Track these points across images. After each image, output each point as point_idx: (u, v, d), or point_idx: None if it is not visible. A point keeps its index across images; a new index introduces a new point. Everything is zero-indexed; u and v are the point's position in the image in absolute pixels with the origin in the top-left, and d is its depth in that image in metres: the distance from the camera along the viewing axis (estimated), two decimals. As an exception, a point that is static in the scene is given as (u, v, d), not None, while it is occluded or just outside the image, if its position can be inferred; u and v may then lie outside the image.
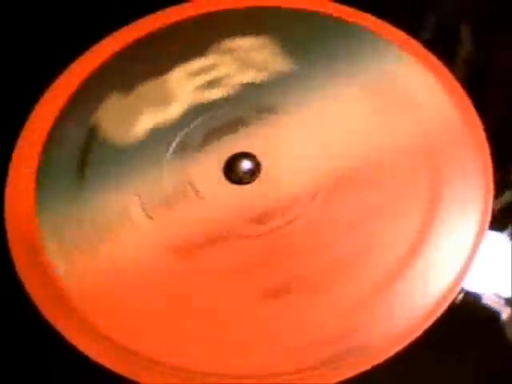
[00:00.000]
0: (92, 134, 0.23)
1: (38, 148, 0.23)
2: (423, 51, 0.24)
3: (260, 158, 0.22)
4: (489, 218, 0.21)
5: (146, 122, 0.23)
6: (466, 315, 0.20)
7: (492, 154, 0.22)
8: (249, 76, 0.24)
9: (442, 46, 0.24)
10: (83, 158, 0.23)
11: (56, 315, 0.20)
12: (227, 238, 0.21)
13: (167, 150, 0.23)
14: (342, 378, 0.19)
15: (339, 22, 0.24)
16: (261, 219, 0.21)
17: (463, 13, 0.25)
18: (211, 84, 0.24)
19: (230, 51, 0.24)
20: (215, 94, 0.23)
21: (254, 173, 0.22)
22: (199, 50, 0.24)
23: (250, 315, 0.20)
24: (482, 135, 0.22)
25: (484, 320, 0.20)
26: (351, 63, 0.24)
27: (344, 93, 0.23)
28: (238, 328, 0.20)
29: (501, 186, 0.22)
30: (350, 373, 0.19)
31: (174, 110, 0.23)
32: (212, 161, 0.22)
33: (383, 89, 0.23)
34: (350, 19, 0.25)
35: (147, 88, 0.24)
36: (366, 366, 0.19)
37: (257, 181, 0.22)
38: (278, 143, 0.22)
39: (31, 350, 0.20)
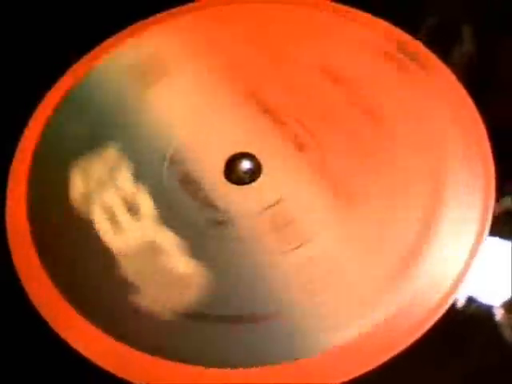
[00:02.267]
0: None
1: (38, 149, 0.23)
2: (423, 51, 0.24)
3: (260, 158, 0.22)
4: (489, 220, 0.21)
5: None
6: (465, 318, 0.20)
7: (494, 156, 0.22)
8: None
9: (441, 46, 0.24)
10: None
11: (55, 316, 0.20)
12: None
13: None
14: (342, 378, 0.19)
15: (339, 22, 0.24)
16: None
17: (463, 13, 0.25)
18: None
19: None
20: None
21: (254, 173, 0.22)
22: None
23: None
24: (484, 136, 0.22)
25: (483, 322, 0.20)
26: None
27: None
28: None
29: (502, 189, 0.22)
30: (350, 375, 0.19)
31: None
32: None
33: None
34: (350, 19, 0.25)
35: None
36: (366, 366, 0.19)
37: (257, 181, 0.22)
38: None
39: (31, 350, 0.20)
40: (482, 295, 0.20)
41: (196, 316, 0.20)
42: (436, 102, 0.23)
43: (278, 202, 0.21)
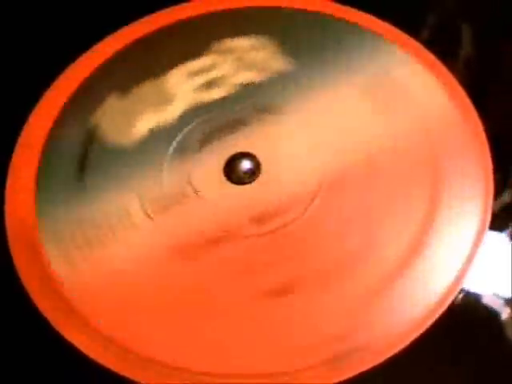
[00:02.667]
0: (92, 134, 0.23)
1: (38, 148, 0.23)
2: (423, 51, 0.24)
3: (260, 158, 0.22)
4: (489, 218, 0.21)
5: (145, 122, 0.23)
6: (466, 315, 0.20)
7: (492, 154, 0.22)
8: (248, 76, 0.24)
9: (442, 46, 0.24)
10: (83, 158, 0.23)
11: (56, 315, 0.20)
12: (228, 239, 0.21)
13: (167, 150, 0.23)
14: (342, 378, 0.19)
15: (340, 22, 0.24)
16: (261, 219, 0.21)
17: (463, 13, 0.25)
18: (211, 84, 0.24)
19: (230, 51, 0.24)
20: (215, 94, 0.23)
21: (254, 173, 0.22)
22: (198, 50, 0.24)
23: (251, 315, 0.20)
24: (482, 135, 0.22)
25: (484, 320, 0.20)
26: (351, 63, 0.24)
27: (344, 93, 0.23)
28: (238, 328, 0.20)
29: (501, 186, 0.22)
30: (351, 373, 0.19)
31: (174, 111, 0.23)
32: (212, 161, 0.22)
33: (383, 89, 0.23)
34: (351, 19, 0.25)
35: (146, 89, 0.24)
36: (366, 366, 0.19)
37: (257, 181, 0.22)
38: (278, 143, 0.22)
39: (31, 350, 0.20)
40: (483, 291, 0.20)
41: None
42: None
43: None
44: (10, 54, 0.26)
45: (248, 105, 0.23)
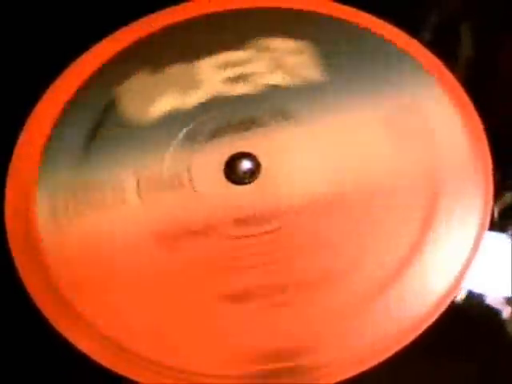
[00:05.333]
0: (110, 105, 0.23)
1: (41, 142, 0.23)
2: (423, 51, 0.24)
3: (260, 158, 0.22)
4: (489, 218, 0.21)
5: (164, 103, 0.23)
6: (466, 315, 0.20)
7: (492, 155, 0.22)
8: (277, 78, 0.23)
9: (442, 46, 0.24)
10: (96, 127, 0.23)
11: (56, 314, 0.20)
12: (207, 235, 0.21)
13: (176, 136, 0.23)
14: (342, 378, 0.19)
15: (377, 38, 0.24)
16: (246, 222, 0.21)
17: (463, 13, 0.25)
18: (238, 79, 0.23)
19: (267, 50, 0.24)
20: (239, 89, 0.23)
21: (254, 173, 0.22)
22: (236, 44, 0.24)
23: (206, 316, 0.20)
24: (483, 136, 0.22)
25: (484, 319, 0.20)
26: (381, 86, 0.23)
27: (365, 115, 0.23)
28: (193, 326, 0.20)
29: (501, 187, 0.22)
30: (351, 372, 0.19)
31: (194, 98, 0.23)
32: (214, 155, 0.22)
33: (402, 114, 0.23)
34: (350, 19, 0.24)
35: (175, 71, 0.24)
36: (366, 366, 0.19)
37: (257, 181, 0.22)
38: (279, 145, 0.22)
39: (31, 349, 0.20)
40: (483, 291, 0.20)
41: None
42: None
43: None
44: (11, 51, 0.26)
45: (265, 106, 0.23)
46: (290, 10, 0.25)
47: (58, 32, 0.26)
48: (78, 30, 0.26)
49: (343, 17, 0.24)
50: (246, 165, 0.22)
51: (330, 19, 0.24)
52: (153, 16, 0.25)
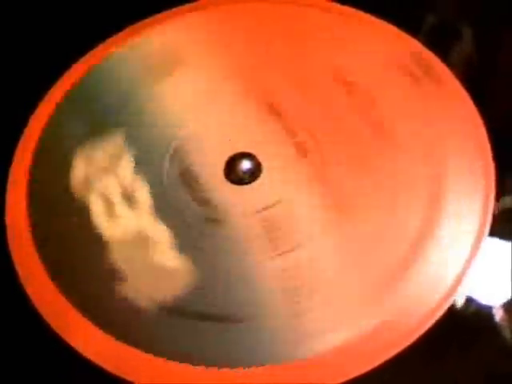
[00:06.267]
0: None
1: (41, 142, 0.23)
2: (423, 51, 0.24)
3: (260, 158, 0.22)
4: (489, 220, 0.21)
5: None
6: (464, 318, 0.20)
7: (494, 156, 0.22)
8: None
9: (442, 46, 0.24)
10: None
11: (55, 315, 0.20)
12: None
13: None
14: (343, 379, 0.19)
15: None
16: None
17: (463, 13, 0.25)
18: None
19: None
20: None
21: (254, 173, 0.22)
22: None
23: None
24: (484, 136, 0.22)
25: (483, 323, 0.20)
26: None
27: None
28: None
29: (502, 189, 0.22)
30: (350, 375, 0.19)
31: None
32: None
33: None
34: (350, 19, 0.25)
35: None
36: (366, 368, 0.19)
37: (257, 181, 0.22)
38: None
39: (30, 350, 0.20)
40: (482, 295, 0.20)
41: (177, 311, 0.20)
42: (435, 102, 0.23)
43: (273, 205, 0.21)
44: (11, 55, 0.26)
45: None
46: None
47: (59, 34, 0.26)
48: (79, 32, 0.26)
49: (343, 17, 0.25)
50: (245, 165, 0.22)
51: None
52: (158, 16, 0.25)
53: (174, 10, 0.26)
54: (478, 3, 0.26)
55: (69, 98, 0.24)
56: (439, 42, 0.24)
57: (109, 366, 0.19)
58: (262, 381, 0.19)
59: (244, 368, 0.19)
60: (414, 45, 0.24)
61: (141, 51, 0.25)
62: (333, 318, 0.20)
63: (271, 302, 0.20)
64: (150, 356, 0.19)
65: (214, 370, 0.19)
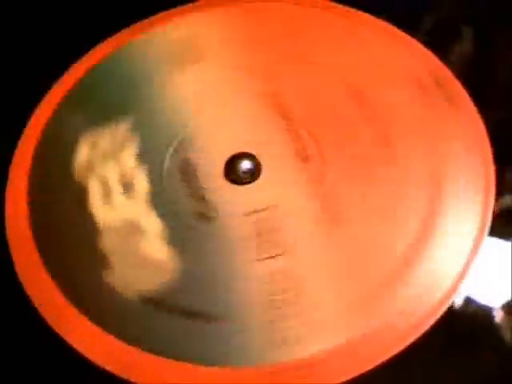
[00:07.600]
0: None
1: (40, 143, 0.23)
2: (423, 50, 0.24)
3: (260, 158, 0.22)
4: (489, 220, 0.21)
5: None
6: (464, 318, 0.20)
7: (493, 156, 0.22)
8: None
9: (442, 45, 0.24)
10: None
11: (54, 315, 0.20)
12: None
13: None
14: (343, 379, 0.19)
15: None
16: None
17: (463, 13, 0.25)
18: None
19: None
20: None
21: (254, 173, 0.22)
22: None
23: None
24: (484, 136, 0.22)
25: (482, 323, 0.20)
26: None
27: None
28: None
29: (501, 189, 0.22)
30: (350, 375, 0.19)
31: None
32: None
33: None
34: (351, 19, 0.25)
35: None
36: (366, 368, 0.19)
37: (255, 182, 0.22)
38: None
39: (30, 350, 0.20)
40: (482, 296, 0.20)
41: (160, 304, 0.20)
42: (435, 102, 0.23)
43: (268, 208, 0.21)
44: (11, 54, 0.26)
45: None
46: None
47: (59, 34, 0.26)
48: (79, 33, 0.26)
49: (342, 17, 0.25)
50: (245, 165, 0.22)
51: None
52: (153, 17, 0.25)
53: (179, 8, 0.26)
54: (478, 3, 0.26)
55: (69, 97, 0.24)
56: (439, 42, 0.24)
57: (97, 357, 0.20)
58: (262, 381, 0.19)
59: (232, 368, 0.19)
60: (431, 58, 0.24)
61: (142, 50, 0.25)
62: (322, 322, 0.20)
63: (257, 305, 0.20)
64: (137, 349, 0.19)
65: (201, 368, 0.19)
